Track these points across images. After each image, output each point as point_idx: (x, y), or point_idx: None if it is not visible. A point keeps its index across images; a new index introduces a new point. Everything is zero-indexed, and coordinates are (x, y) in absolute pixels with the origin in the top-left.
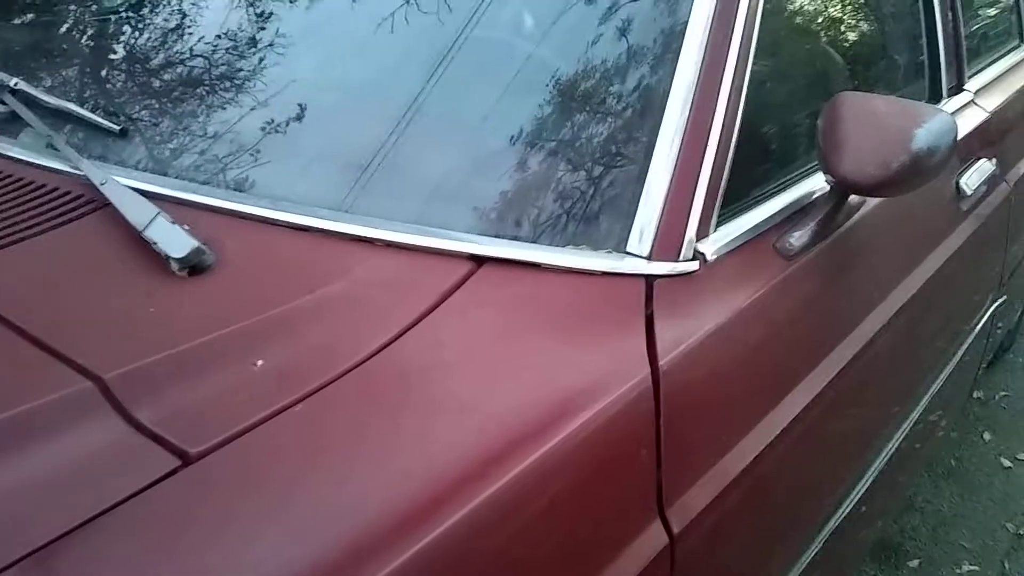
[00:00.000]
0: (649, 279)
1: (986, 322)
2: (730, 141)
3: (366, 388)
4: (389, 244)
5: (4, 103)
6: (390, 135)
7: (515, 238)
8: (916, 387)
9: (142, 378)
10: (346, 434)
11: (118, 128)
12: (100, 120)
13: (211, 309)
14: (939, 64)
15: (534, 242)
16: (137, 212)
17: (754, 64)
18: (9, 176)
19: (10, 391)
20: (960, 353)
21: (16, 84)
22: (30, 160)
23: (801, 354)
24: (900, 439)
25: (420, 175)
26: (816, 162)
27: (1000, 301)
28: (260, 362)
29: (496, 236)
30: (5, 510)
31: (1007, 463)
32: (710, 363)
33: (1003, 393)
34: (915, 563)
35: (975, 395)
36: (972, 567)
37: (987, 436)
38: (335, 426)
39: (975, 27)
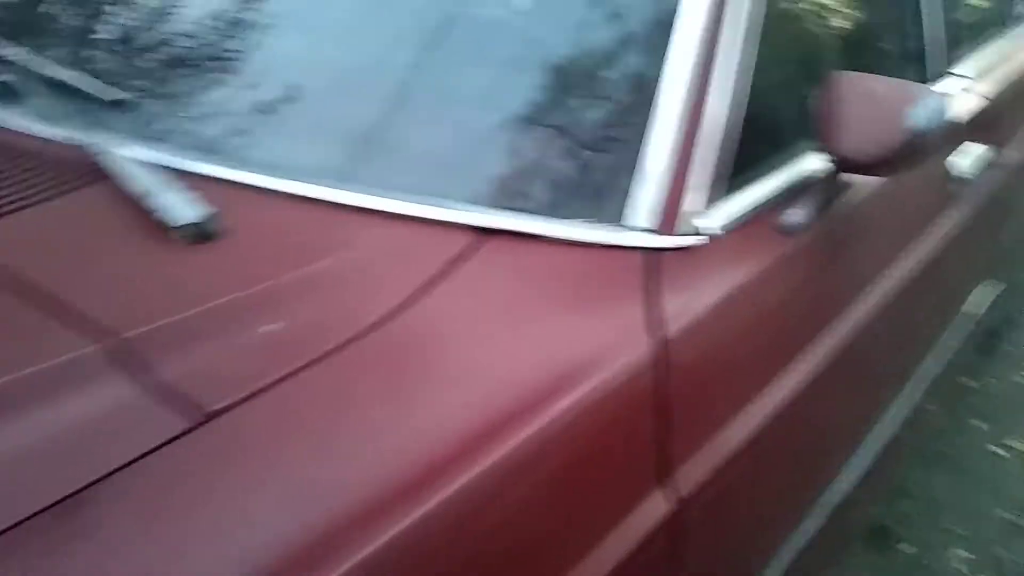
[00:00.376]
0: (649, 252)
1: (978, 303)
2: (729, 121)
3: (370, 357)
4: (393, 215)
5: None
6: (393, 107)
7: (518, 210)
8: (909, 366)
9: (156, 340)
10: (352, 400)
11: (117, 99)
12: (98, 92)
13: (217, 276)
14: (925, 49)
15: (537, 214)
16: (139, 182)
17: (752, 47)
18: (8, 146)
19: (28, 351)
20: (952, 333)
21: (13, 55)
22: (29, 131)
23: (797, 331)
24: (894, 417)
25: (423, 147)
26: (813, 142)
27: (991, 283)
28: (267, 328)
29: (499, 208)
30: (26, 465)
31: (999, 451)
32: (709, 336)
33: (995, 382)
34: (909, 548)
35: (967, 384)
36: (965, 552)
37: (979, 424)
38: (341, 392)
39: (961, 15)
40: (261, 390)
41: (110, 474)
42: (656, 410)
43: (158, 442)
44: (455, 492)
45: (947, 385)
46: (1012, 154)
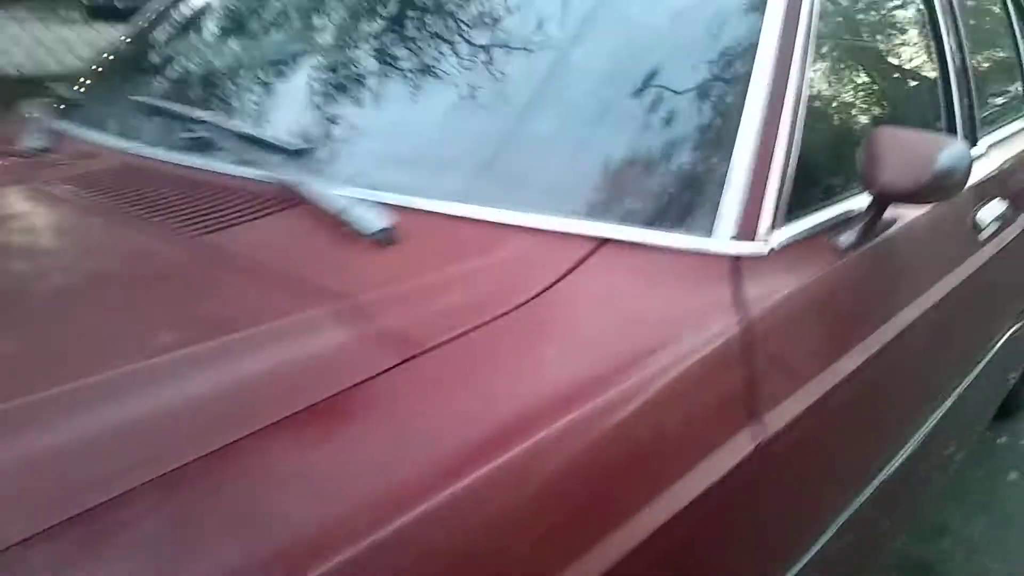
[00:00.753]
0: (733, 258)
1: (1007, 341)
2: (792, 161)
3: (518, 327)
4: (528, 229)
5: (196, 131)
6: (525, 140)
7: (630, 223)
8: (946, 381)
9: (375, 302)
10: (508, 351)
11: (295, 147)
12: (279, 140)
13: (399, 268)
14: (955, 123)
15: (645, 226)
16: (333, 202)
17: (806, 108)
18: (213, 185)
19: (277, 312)
20: (983, 364)
21: (207, 116)
22: (228, 172)
23: (844, 330)
24: (928, 427)
25: (552, 173)
26: (859, 181)
27: (1019, 326)
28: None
29: (614, 222)
30: (297, 371)
31: None
32: (781, 322)
33: None
34: None
35: (1000, 440)
36: None
37: (1014, 476)
38: (500, 346)
39: (987, 95)
40: (450, 339)
41: (356, 385)
42: (742, 369)
43: (391, 364)
44: (590, 410)
45: (980, 408)
46: None
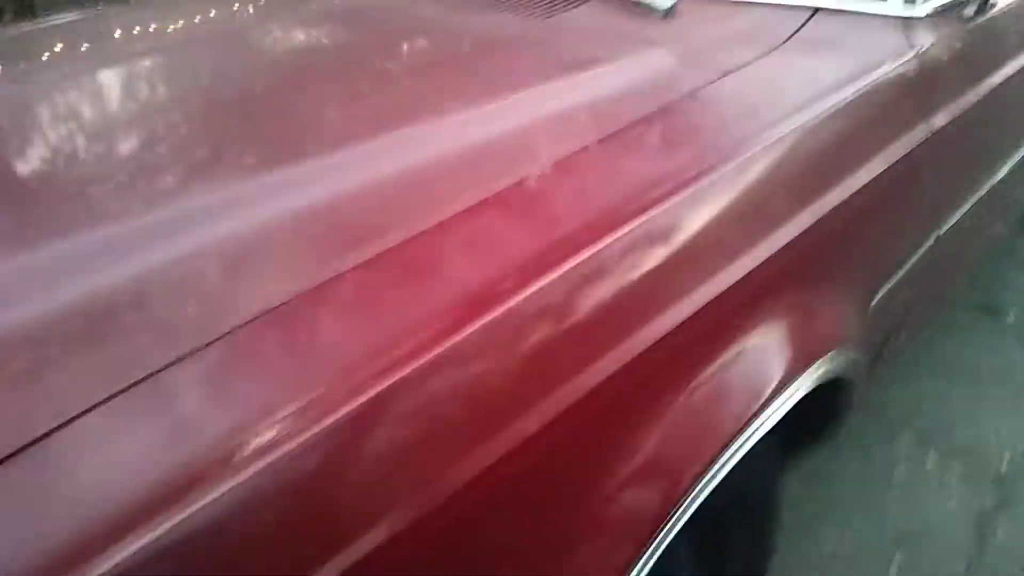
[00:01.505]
0: (904, 18)
1: None
2: None
3: (773, 64)
4: (764, 3)
5: None
6: None
7: None
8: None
9: (678, 48)
10: (776, 76)
11: None
12: None
13: (687, 31)
14: None
15: None
16: None
17: None
18: None
19: (614, 53)
20: None
21: None
22: None
23: (972, 70)
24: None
25: None
26: None
27: None
28: (721, 48)
29: None
30: (645, 83)
31: None
32: (934, 59)
33: None
34: (1011, 318)
35: None
36: None
37: None
38: (771, 71)
39: None
40: (736, 69)
41: (694, 91)
42: (921, 85)
43: (711, 80)
44: (835, 105)
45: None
46: None
